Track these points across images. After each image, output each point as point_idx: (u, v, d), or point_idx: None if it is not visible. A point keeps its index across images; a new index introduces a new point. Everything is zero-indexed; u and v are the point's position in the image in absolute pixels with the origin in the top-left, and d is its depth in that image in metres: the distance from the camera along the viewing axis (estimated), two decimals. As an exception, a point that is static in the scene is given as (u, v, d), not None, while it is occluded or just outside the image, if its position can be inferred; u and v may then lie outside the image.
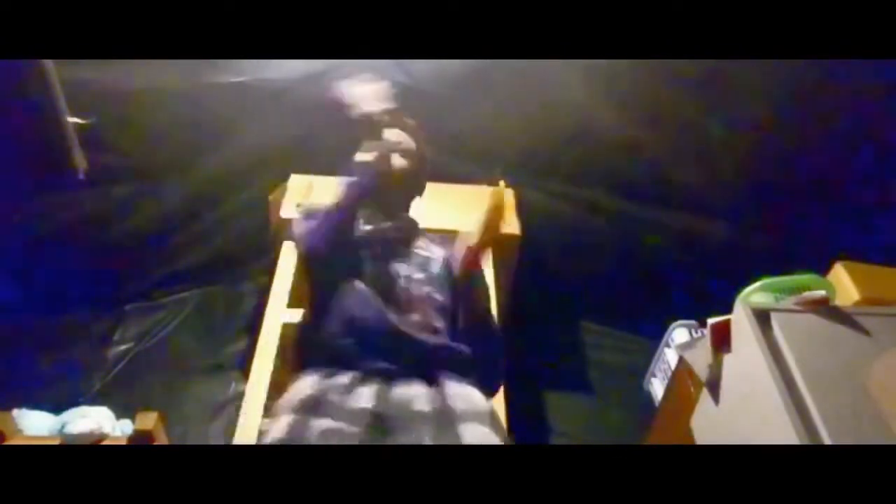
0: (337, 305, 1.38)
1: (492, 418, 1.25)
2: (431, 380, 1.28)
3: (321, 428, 1.16)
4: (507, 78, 2.18)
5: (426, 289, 1.46)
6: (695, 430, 1.53)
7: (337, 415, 1.18)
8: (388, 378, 1.26)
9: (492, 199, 1.39)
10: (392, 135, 1.61)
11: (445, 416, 1.21)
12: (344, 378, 1.25)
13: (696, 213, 2.42)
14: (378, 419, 1.19)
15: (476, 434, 1.19)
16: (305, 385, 1.26)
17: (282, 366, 1.78)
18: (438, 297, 1.46)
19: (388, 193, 1.56)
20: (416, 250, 1.55)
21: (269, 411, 1.67)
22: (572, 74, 2.15)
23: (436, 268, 1.52)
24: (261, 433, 1.28)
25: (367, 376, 1.26)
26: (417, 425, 1.18)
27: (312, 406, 1.20)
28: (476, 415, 1.23)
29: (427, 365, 1.30)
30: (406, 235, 1.58)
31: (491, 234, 1.42)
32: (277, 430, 1.18)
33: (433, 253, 1.56)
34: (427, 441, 1.16)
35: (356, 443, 1.15)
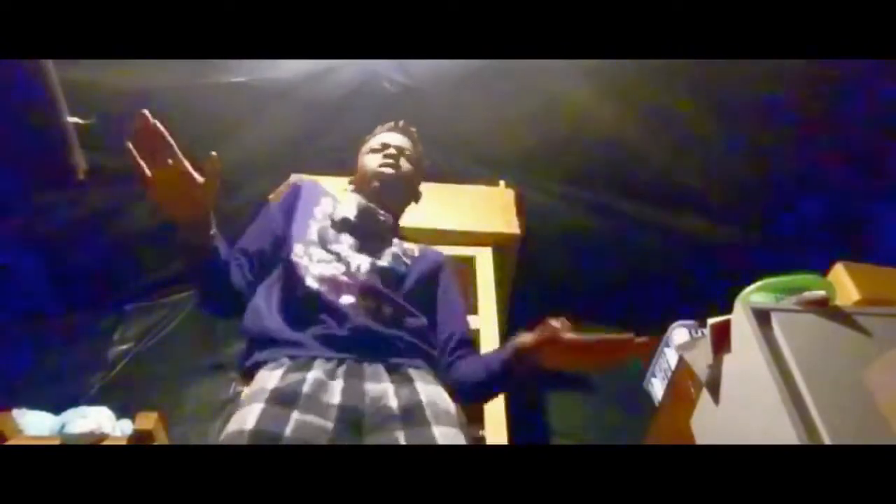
0: (289, 293, 1.34)
1: (458, 418, 1.23)
2: (399, 375, 1.26)
3: (293, 419, 1.13)
4: (507, 78, 2.19)
5: (390, 284, 1.41)
6: (695, 430, 1.53)
7: (307, 408, 1.15)
8: (358, 374, 1.24)
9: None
10: (398, 140, 1.62)
11: (415, 414, 1.19)
12: (312, 372, 1.22)
13: (695, 213, 2.42)
14: (348, 413, 1.17)
15: (447, 435, 1.18)
16: (274, 377, 1.22)
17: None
18: (397, 297, 1.41)
19: (388, 196, 1.56)
20: (391, 247, 1.51)
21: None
22: (572, 74, 2.15)
23: (402, 268, 1.48)
24: (230, 415, 1.24)
25: (334, 371, 1.24)
26: (389, 423, 1.17)
27: (283, 398, 1.16)
28: (445, 415, 1.21)
29: (385, 354, 1.28)
30: (383, 230, 1.53)
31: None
32: (249, 419, 1.12)
33: (405, 254, 1.52)
34: (401, 439, 1.16)
35: (327, 437, 1.13)
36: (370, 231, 1.51)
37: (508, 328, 2.08)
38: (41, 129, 1.53)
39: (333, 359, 1.25)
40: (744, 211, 2.39)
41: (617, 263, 2.54)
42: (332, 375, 1.23)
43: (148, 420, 1.56)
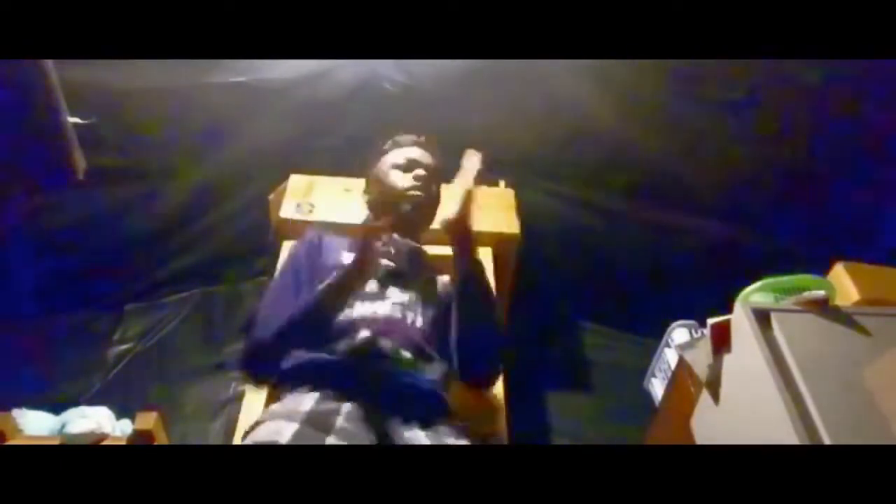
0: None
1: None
2: (426, 424, 1.28)
3: (328, 443, 1.17)
4: (507, 78, 2.18)
5: (420, 318, 1.45)
6: (695, 430, 1.53)
7: (345, 437, 1.18)
8: (391, 416, 1.26)
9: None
10: (426, 158, 1.61)
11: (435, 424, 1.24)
12: (347, 405, 1.25)
13: (695, 213, 2.42)
14: (382, 436, 1.21)
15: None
16: (309, 399, 1.25)
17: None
18: (428, 326, 1.45)
19: (418, 221, 1.57)
20: (417, 280, 1.53)
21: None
22: (572, 74, 2.15)
23: (430, 294, 1.51)
24: (258, 424, 1.26)
25: (369, 408, 1.26)
26: (412, 427, 1.20)
27: (319, 423, 1.20)
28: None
29: (411, 405, 1.30)
30: (411, 263, 1.55)
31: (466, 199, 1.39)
32: (285, 434, 1.17)
33: (432, 281, 1.55)
34: (422, 439, 1.17)
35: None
36: (415, 271, 1.53)
37: (508, 328, 2.08)
38: (41, 129, 1.52)
39: (360, 397, 1.27)
40: (744, 211, 2.39)
41: (617, 263, 2.54)
42: (362, 410, 1.25)
43: (148, 420, 1.55)
